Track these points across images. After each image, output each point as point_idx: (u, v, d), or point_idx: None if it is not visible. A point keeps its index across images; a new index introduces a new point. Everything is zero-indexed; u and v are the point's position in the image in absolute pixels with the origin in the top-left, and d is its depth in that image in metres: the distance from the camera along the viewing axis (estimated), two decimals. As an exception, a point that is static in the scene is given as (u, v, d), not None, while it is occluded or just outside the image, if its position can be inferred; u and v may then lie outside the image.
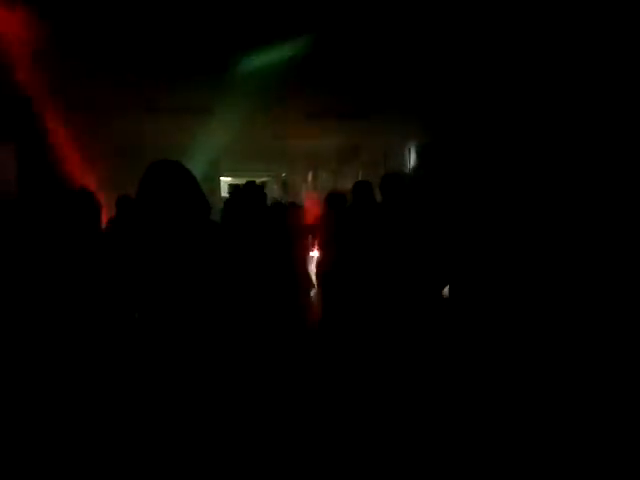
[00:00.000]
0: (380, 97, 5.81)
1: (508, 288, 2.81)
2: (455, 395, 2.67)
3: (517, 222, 3.16)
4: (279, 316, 3.27)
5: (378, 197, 3.41)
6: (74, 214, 1.80)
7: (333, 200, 3.75)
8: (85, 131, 6.61)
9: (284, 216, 3.54)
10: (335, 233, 3.48)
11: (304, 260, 3.68)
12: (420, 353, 2.69)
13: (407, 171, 6.87)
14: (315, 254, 3.95)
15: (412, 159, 7.10)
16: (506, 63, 4.17)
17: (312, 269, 3.85)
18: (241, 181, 14.44)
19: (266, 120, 6.71)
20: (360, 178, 9.72)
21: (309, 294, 3.65)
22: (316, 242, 3.83)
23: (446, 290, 2.84)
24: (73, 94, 5.41)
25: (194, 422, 1.70)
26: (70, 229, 1.78)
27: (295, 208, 3.99)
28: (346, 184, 10.29)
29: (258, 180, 14.02)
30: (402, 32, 3.63)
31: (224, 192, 11.47)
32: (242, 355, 1.90)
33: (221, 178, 10.98)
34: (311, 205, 4.53)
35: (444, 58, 4.27)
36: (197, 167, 7.44)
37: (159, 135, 7.29)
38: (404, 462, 2.38)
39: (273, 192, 9.77)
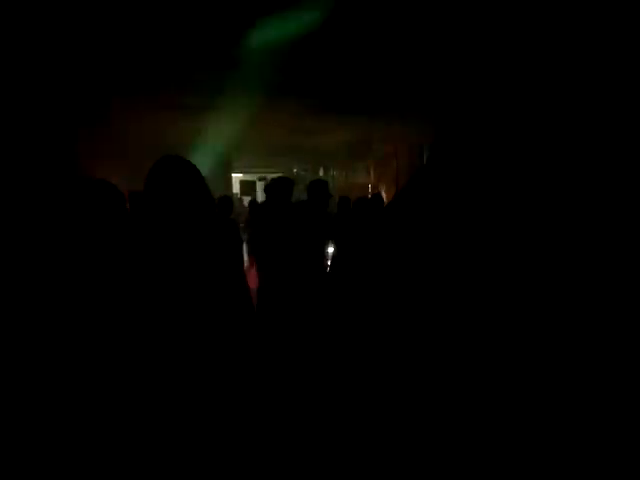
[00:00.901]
0: (392, 93, 5.79)
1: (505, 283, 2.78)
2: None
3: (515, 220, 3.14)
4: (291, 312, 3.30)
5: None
6: (101, 205, 1.81)
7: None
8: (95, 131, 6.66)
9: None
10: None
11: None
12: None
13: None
14: (331, 249, 3.96)
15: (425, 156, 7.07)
16: (511, 63, 4.17)
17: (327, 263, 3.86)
18: (252, 177, 14.56)
19: (276, 116, 6.71)
20: (372, 174, 9.72)
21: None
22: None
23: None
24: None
25: (206, 420, 1.70)
26: (98, 219, 1.79)
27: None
28: (358, 179, 10.29)
29: (269, 177, 14.10)
30: (416, 26, 3.62)
31: (235, 189, 11.56)
32: (249, 353, 1.89)
33: (232, 175, 11.04)
34: None
35: (454, 57, 4.26)
36: (208, 165, 7.47)
37: (168, 133, 7.33)
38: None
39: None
